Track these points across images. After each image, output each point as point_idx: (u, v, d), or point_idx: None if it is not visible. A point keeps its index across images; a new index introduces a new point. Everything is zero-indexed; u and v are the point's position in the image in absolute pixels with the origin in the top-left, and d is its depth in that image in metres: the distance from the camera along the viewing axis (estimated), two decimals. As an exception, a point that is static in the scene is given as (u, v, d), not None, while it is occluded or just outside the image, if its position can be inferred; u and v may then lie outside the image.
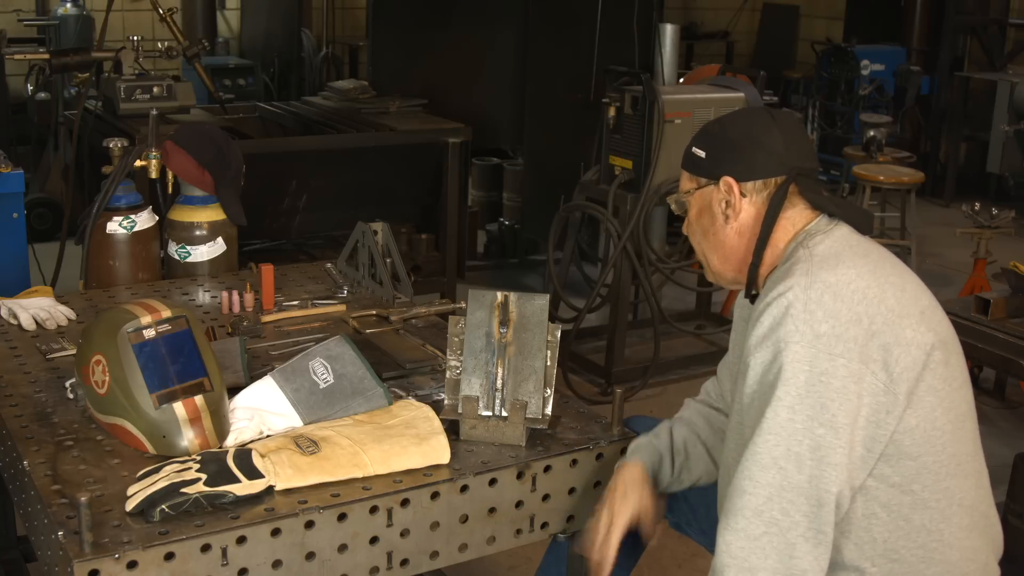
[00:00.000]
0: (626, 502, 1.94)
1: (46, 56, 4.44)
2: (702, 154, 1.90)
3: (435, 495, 1.83)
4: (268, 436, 1.92)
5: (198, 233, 2.96)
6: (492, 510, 1.90)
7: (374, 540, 1.78)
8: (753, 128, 1.88)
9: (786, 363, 1.67)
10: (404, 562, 1.83)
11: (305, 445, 1.83)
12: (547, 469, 1.94)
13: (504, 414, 1.98)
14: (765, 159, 1.85)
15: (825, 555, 1.69)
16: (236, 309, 2.64)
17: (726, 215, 1.88)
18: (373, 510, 1.77)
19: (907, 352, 1.70)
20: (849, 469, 1.68)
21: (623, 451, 2.04)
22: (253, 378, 2.07)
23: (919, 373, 1.71)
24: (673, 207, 2.00)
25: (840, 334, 1.67)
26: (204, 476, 1.71)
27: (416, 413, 1.99)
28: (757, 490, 1.68)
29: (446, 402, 2.03)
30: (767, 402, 1.68)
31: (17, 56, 4.74)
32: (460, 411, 1.98)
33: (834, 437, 1.66)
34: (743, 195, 1.86)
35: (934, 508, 1.75)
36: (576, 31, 5.55)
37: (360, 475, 1.81)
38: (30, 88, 6.04)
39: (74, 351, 2.17)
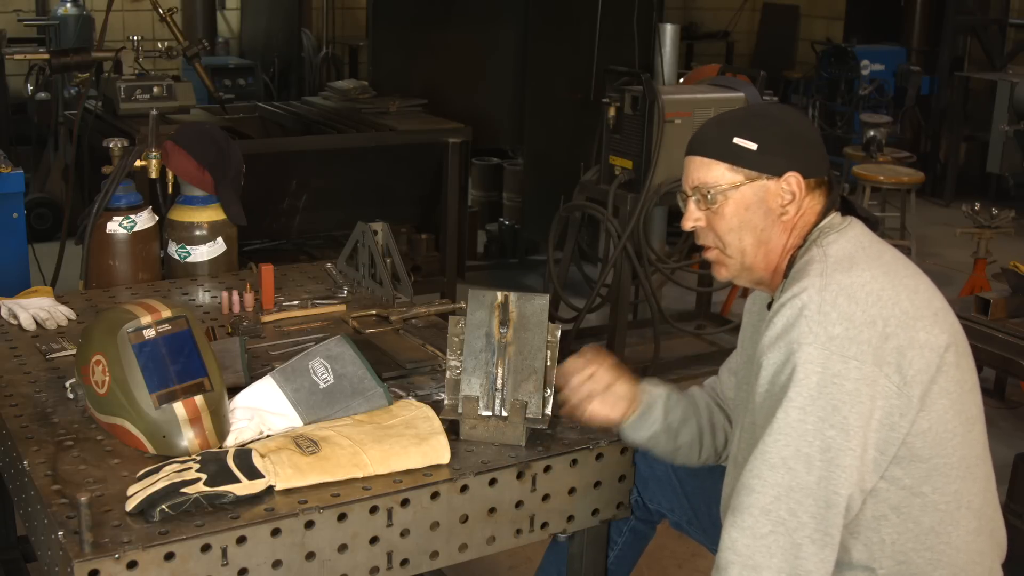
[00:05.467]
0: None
1: (46, 56, 4.44)
2: (752, 146, 1.82)
3: (435, 495, 1.83)
4: (268, 436, 1.92)
5: (198, 233, 2.96)
6: (492, 510, 1.90)
7: (374, 540, 1.78)
8: (803, 124, 1.89)
9: (799, 364, 1.66)
10: (404, 562, 1.83)
11: (305, 445, 1.83)
12: (547, 469, 1.94)
13: (504, 414, 1.98)
14: (819, 157, 1.86)
15: (831, 557, 1.68)
16: (236, 309, 2.63)
17: (784, 211, 1.83)
18: (373, 510, 1.77)
19: (921, 355, 1.70)
20: (860, 472, 1.68)
21: (622, 451, 2.04)
22: (253, 378, 2.06)
23: (932, 376, 1.71)
24: (692, 201, 1.88)
25: (854, 336, 1.66)
26: (204, 476, 1.71)
27: (416, 413, 1.99)
28: (765, 489, 1.68)
29: (446, 402, 2.03)
30: (778, 402, 1.68)
31: (17, 56, 4.74)
32: (460, 411, 1.98)
33: (845, 439, 1.65)
34: (806, 193, 1.83)
35: (943, 511, 1.75)
36: (576, 31, 5.55)
37: (360, 475, 1.81)
38: (30, 88, 6.04)
39: (74, 351, 2.17)
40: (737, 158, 1.83)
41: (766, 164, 1.82)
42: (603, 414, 1.98)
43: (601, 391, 1.98)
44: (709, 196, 1.85)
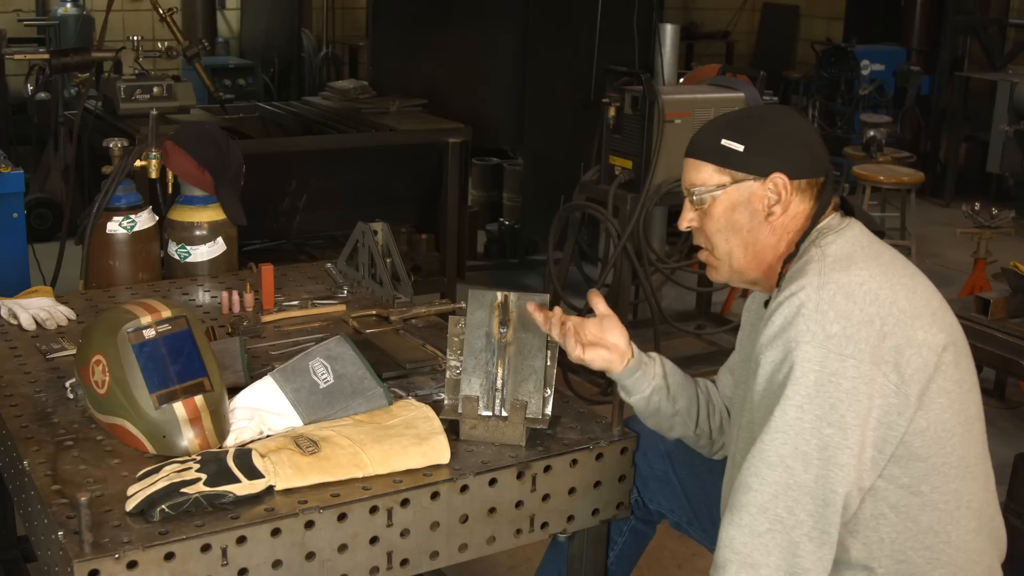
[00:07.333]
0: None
1: (46, 56, 4.44)
2: (739, 147, 1.83)
3: (435, 495, 1.83)
4: (268, 436, 1.92)
5: (198, 233, 2.96)
6: (492, 510, 1.90)
7: (374, 540, 1.78)
8: (795, 125, 1.88)
9: (796, 363, 1.67)
10: (404, 562, 1.83)
11: (305, 445, 1.83)
12: (547, 469, 1.94)
13: (504, 414, 1.98)
14: (810, 158, 1.85)
15: (829, 555, 1.68)
16: (236, 309, 2.63)
17: (770, 212, 1.83)
18: (373, 510, 1.77)
19: (919, 353, 1.70)
20: (858, 470, 1.68)
21: (622, 451, 2.04)
22: (253, 378, 2.06)
23: (930, 374, 1.71)
24: (688, 202, 1.90)
25: (851, 335, 1.66)
26: (204, 476, 1.71)
27: (416, 413, 1.99)
28: (763, 487, 1.68)
29: (446, 402, 2.03)
30: (776, 401, 1.68)
31: (17, 56, 4.74)
32: (460, 411, 1.98)
33: (842, 438, 1.66)
34: (793, 193, 1.83)
35: (942, 510, 1.75)
36: (576, 31, 5.56)
37: (360, 475, 1.81)
38: (30, 88, 6.05)
39: (74, 351, 2.17)
40: (724, 159, 1.85)
41: (752, 165, 1.83)
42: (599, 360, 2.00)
43: (587, 341, 1.99)
44: (697, 197, 1.88)
